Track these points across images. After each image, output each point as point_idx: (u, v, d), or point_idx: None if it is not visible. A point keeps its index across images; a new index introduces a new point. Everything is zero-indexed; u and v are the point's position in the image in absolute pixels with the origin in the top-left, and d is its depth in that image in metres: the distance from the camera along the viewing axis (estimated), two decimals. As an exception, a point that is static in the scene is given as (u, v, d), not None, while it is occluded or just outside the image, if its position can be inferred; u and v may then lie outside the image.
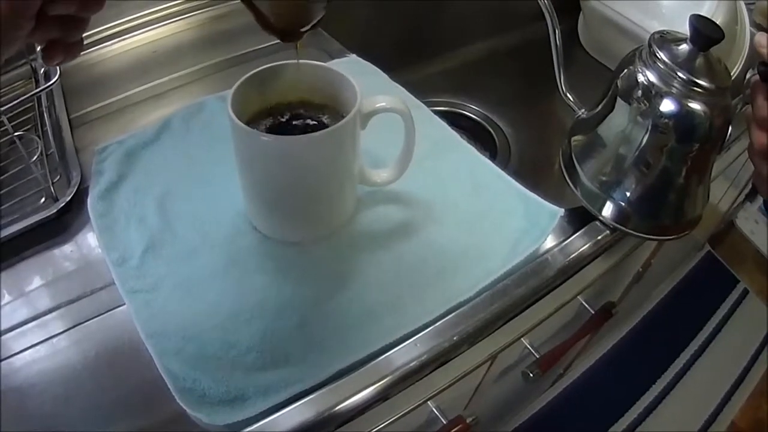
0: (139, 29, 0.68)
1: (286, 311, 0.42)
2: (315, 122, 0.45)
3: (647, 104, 0.46)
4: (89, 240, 0.48)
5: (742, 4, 0.71)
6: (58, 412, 0.38)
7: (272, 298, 0.43)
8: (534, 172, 0.74)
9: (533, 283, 0.46)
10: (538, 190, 0.51)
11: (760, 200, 1.40)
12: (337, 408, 0.38)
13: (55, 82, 0.51)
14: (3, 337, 0.42)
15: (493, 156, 0.76)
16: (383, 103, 0.43)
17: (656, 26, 0.68)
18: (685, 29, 0.48)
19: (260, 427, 0.37)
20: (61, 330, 0.43)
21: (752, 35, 0.72)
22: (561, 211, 0.49)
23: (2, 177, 0.51)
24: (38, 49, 0.59)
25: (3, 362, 0.41)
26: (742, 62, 0.69)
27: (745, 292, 1.41)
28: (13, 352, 0.41)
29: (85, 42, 0.67)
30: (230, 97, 0.41)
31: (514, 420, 1.14)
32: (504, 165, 0.74)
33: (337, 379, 0.39)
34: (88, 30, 0.67)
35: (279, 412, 0.37)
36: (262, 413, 0.37)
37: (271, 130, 0.44)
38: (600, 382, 1.24)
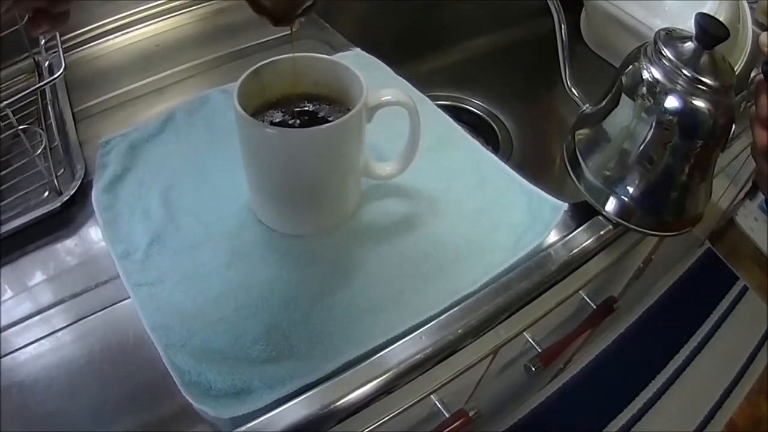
0: (142, 23, 0.68)
1: (291, 304, 0.42)
2: (321, 115, 0.45)
3: (652, 101, 0.46)
4: (93, 233, 0.48)
5: (745, 2, 0.71)
6: (62, 408, 0.38)
7: (277, 290, 0.43)
8: (536, 166, 0.74)
9: (536, 278, 0.46)
10: (539, 184, 0.51)
11: (759, 198, 1.40)
12: (341, 401, 0.38)
13: (59, 75, 0.51)
14: (6, 332, 0.42)
15: (495, 150, 0.76)
16: (389, 97, 0.43)
17: (659, 23, 0.68)
18: (687, 27, 0.48)
19: (265, 420, 0.37)
20: (65, 324, 0.43)
21: (755, 33, 0.72)
22: (565, 206, 0.49)
23: (6, 171, 0.51)
24: (42, 43, 0.59)
25: (6, 357, 0.41)
26: (744, 60, 0.69)
27: (745, 289, 1.42)
28: (16, 347, 0.41)
29: (88, 35, 0.67)
30: (236, 89, 0.41)
31: (514, 413, 1.14)
32: (506, 159, 0.74)
33: (342, 373, 0.39)
34: (91, 24, 0.68)
35: (284, 406, 0.37)
36: (267, 406, 0.37)
37: (276, 123, 0.44)
38: (600, 377, 1.24)
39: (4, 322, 0.43)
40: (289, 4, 0.37)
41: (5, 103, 0.48)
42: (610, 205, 0.49)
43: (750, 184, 1.26)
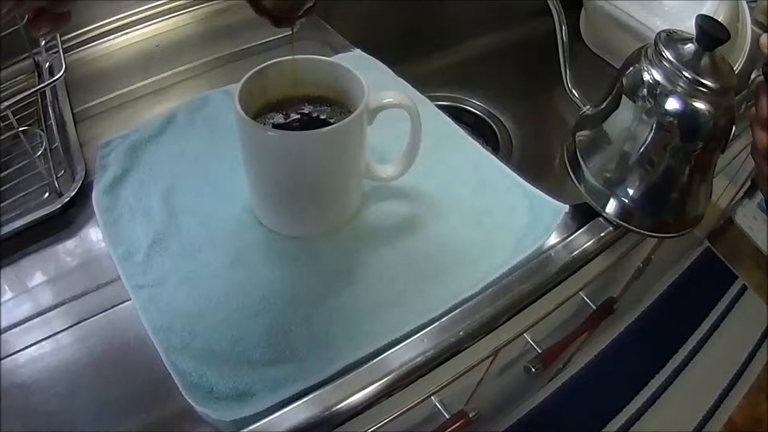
0: (142, 23, 0.68)
1: (292, 306, 0.42)
2: (322, 118, 0.45)
3: (652, 102, 0.46)
4: (94, 235, 0.48)
5: (744, 2, 0.71)
6: (63, 409, 0.38)
7: (278, 292, 0.43)
8: (536, 167, 0.74)
9: (537, 279, 0.46)
10: (539, 185, 0.51)
11: (758, 197, 1.40)
12: (343, 404, 0.38)
13: (60, 76, 0.51)
14: (7, 334, 0.42)
15: (495, 151, 0.76)
16: (390, 99, 0.43)
17: (659, 24, 0.68)
18: (686, 27, 0.48)
19: (267, 422, 0.37)
20: (66, 326, 0.43)
21: (754, 33, 0.72)
22: (566, 208, 0.49)
23: (6, 172, 0.51)
24: (42, 43, 0.59)
25: (7, 359, 0.41)
26: (743, 60, 0.69)
27: (744, 289, 1.42)
28: (17, 349, 0.41)
29: (88, 36, 0.67)
30: (237, 92, 0.41)
31: (513, 414, 1.14)
32: (506, 160, 0.74)
33: (344, 375, 0.39)
34: (91, 24, 0.68)
35: (286, 408, 0.38)
36: (269, 409, 0.37)
37: (277, 126, 0.44)
38: (599, 377, 1.24)
39: (4, 324, 0.43)
40: (289, 5, 0.37)
41: (5, 104, 0.48)
42: (611, 206, 0.50)
43: (749, 183, 1.26)
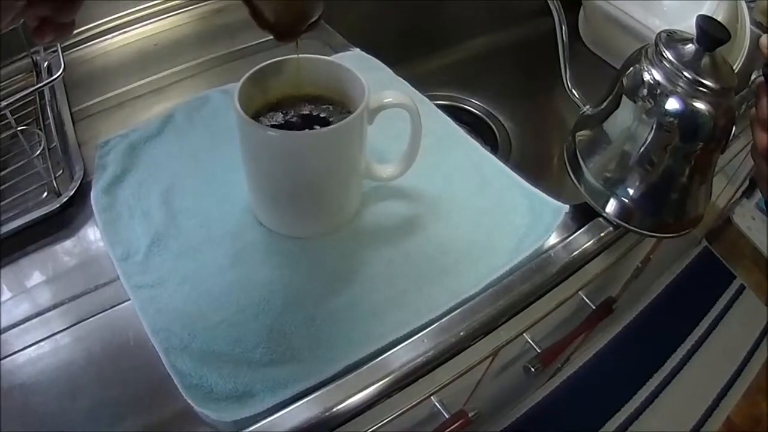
0: (140, 22, 0.68)
1: (293, 307, 0.42)
2: (322, 117, 0.45)
3: (652, 103, 0.46)
4: (92, 235, 0.48)
5: (743, 2, 0.71)
6: (62, 410, 0.38)
7: (278, 293, 0.43)
8: (535, 167, 0.74)
9: (537, 280, 0.46)
10: (538, 185, 0.51)
11: (757, 197, 1.40)
12: (344, 404, 0.38)
13: (59, 76, 0.51)
14: (6, 334, 0.42)
15: (494, 151, 0.76)
16: (391, 99, 0.43)
17: (658, 24, 0.69)
18: (685, 27, 0.48)
19: (268, 422, 0.37)
20: (65, 326, 0.43)
21: (753, 34, 0.72)
22: (566, 208, 0.49)
23: (4, 171, 0.51)
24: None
25: (6, 359, 0.41)
26: (742, 60, 0.69)
27: (742, 288, 1.42)
28: (15, 349, 0.41)
29: (86, 35, 0.67)
30: (237, 91, 0.41)
31: (513, 413, 1.14)
32: (505, 160, 0.74)
33: (344, 375, 0.39)
34: (89, 23, 0.67)
35: (286, 409, 0.37)
36: (270, 409, 0.37)
37: (277, 125, 0.44)
38: (597, 376, 1.24)
39: (3, 324, 0.43)
40: (293, 20, 0.37)
41: (4, 103, 0.47)
42: (611, 206, 0.50)
43: (747, 183, 1.26)
